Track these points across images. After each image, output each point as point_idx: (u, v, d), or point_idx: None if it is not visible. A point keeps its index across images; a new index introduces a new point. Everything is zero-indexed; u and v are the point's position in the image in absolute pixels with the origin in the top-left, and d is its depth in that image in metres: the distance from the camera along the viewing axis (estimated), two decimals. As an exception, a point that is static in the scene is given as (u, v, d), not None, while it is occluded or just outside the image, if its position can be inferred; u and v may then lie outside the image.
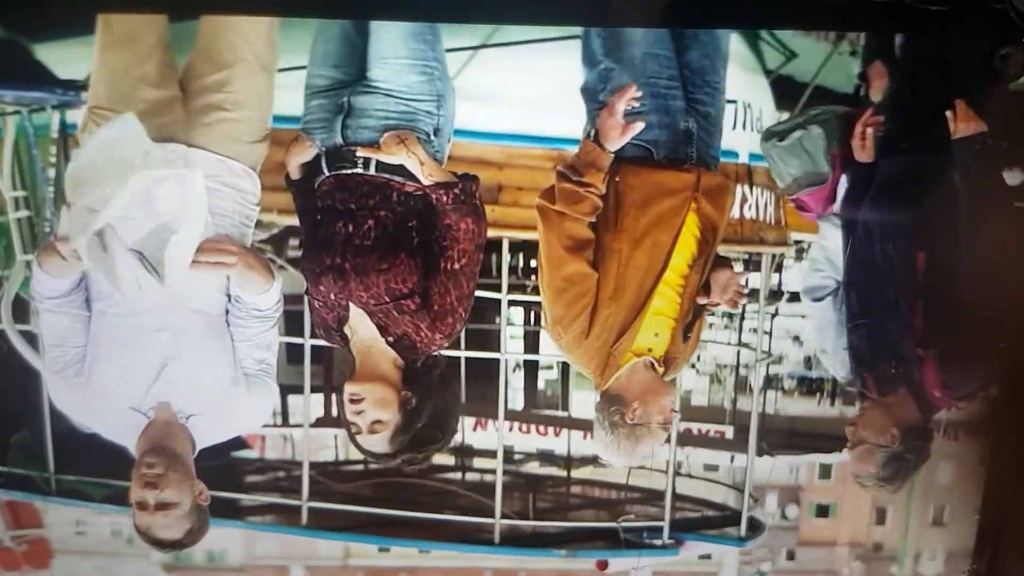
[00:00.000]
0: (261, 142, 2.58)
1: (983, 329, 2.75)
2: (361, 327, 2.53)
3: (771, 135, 3.12)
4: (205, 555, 4.72)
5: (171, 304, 2.41)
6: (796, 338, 5.59)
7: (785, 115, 4.12)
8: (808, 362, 5.75)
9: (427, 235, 2.49)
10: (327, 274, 2.48)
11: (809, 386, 5.71)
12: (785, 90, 4.15)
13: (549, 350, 5.03)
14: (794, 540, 5.42)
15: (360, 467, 4.80)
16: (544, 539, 4.75)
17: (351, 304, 2.51)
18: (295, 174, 2.68)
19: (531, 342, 5.15)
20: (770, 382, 5.59)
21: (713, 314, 2.86)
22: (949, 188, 2.71)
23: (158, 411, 2.45)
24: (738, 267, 2.83)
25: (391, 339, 2.51)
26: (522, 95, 3.72)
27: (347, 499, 4.65)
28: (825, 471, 5.43)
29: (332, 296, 2.52)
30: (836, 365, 3.06)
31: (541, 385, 5.49)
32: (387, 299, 2.46)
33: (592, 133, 2.55)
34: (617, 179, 2.57)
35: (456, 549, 4.69)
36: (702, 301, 2.70)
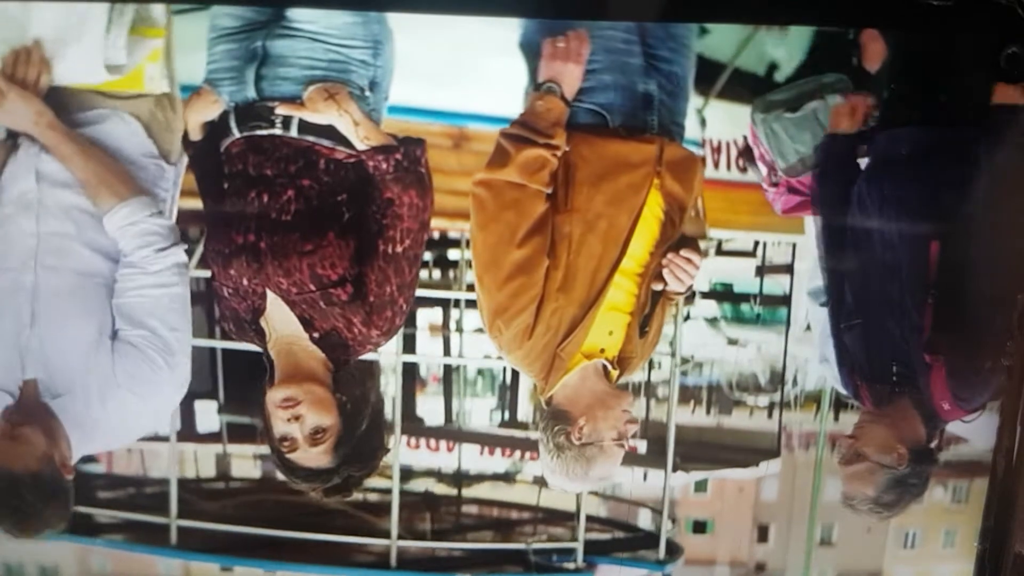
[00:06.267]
0: None
1: (1002, 333, 2.45)
2: (280, 321, 2.24)
3: (774, 105, 2.80)
4: (38, 569, 4.39)
5: (25, 261, 2.25)
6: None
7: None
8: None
9: (361, 211, 2.23)
10: (238, 255, 2.20)
11: (684, 394, 5.58)
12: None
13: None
14: (670, 558, 5.21)
15: (222, 484, 4.55)
16: (444, 563, 4.47)
17: (268, 292, 2.21)
18: (196, 134, 2.35)
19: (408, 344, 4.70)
20: (643, 389, 5.35)
21: (677, 303, 2.58)
22: (971, 164, 2.43)
23: (24, 390, 2.25)
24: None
25: (317, 335, 2.23)
26: (417, 63, 3.24)
27: (218, 519, 4.36)
28: (700, 485, 5.25)
29: (245, 282, 2.22)
30: (840, 376, 2.74)
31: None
32: (312, 287, 2.19)
33: (553, 86, 2.27)
34: (567, 148, 2.28)
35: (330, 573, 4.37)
36: (657, 287, 2.40)
